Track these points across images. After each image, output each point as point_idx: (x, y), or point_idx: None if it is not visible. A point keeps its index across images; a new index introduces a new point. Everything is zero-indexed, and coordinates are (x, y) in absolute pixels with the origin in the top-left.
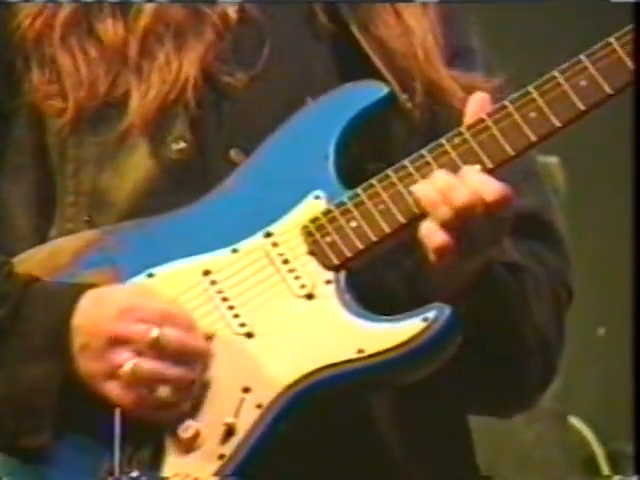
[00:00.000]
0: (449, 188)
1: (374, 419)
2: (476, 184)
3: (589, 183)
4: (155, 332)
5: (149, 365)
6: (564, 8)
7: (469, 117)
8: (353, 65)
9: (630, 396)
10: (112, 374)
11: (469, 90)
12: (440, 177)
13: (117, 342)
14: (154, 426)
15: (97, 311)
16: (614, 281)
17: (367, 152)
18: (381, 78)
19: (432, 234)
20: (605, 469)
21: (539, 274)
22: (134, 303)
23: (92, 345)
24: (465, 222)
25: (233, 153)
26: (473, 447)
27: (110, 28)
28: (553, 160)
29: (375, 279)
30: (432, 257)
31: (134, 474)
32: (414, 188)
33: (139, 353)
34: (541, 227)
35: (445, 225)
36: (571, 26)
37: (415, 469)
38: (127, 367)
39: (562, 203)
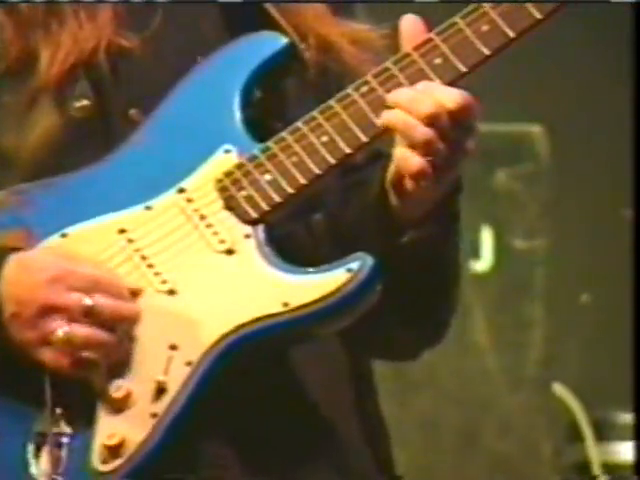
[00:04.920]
0: (412, 101)
1: (293, 364)
2: (438, 94)
3: (573, 151)
4: (88, 301)
5: (82, 331)
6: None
7: (407, 41)
8: (242, 23)
9: (610, 363)
10: (45, 340)
11: (357, 41)
12: (402, 92)
13: (49, 310)
14: (86, 388)
15: (25, 279)
16: (598, 248)
17: (265, 110)
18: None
19: (408, 159)
20: (588, 436)
21: None
22: (64, 270)
23: (23, 314)
24: (440, 135)
25: (132, 112)
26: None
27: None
28: (535, 128)
29: (283, 232)
30: (409, 184)
31: (63, 436)
32: (383, 116)
33: (72, 320)
34: None
35: (419, 147)
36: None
37: (333, 416)
38: (60, 333)
39: (544, 171)
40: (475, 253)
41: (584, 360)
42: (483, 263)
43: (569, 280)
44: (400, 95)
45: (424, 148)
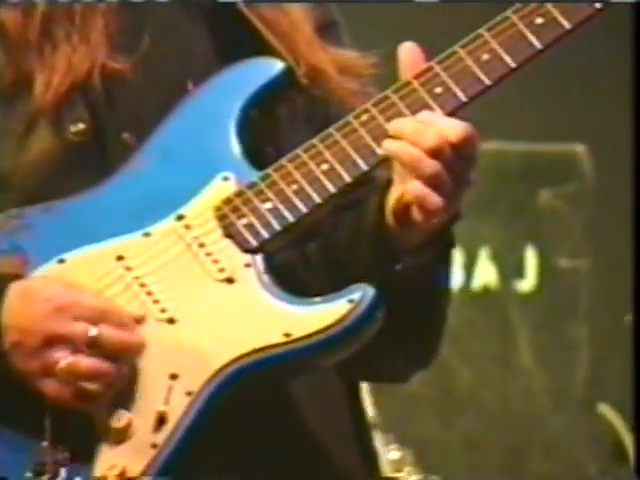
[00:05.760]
0: (415, 133)
1: (289, 392)
2: (440, 125)
3: (617, 170)
4: (94, 331)
5: (86, 362)
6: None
7: (407, 69)
8: (232, 46)
9: None
10: (47, 371)
11: (345, 69)
12: (405, 123)
13: (54, 340)
14: (86, 418)
15: (29, 308)
16: None
17: (257, 134)
18: (269, 56)
19: (427, 197)
20: (632, 456)
21: None
22: (68, 300)
23: (26, 343)
24: (442, 172)
25: (125, 136)
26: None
27: (10, 13)
28: (579, 148)
29: (278, 261)
30: (418, 216)
31: (62, 466)
32: (386, 145)
33: (76, 350)
34: None
35: (426, 180)
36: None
37: (331, 444)
38: (63, 364)
39: (588, 191)
40: (519, 273)
41: (629, 380)
42: (527, 283)
43: (613, 300)
44: (403, 126)
45: (432, 181)
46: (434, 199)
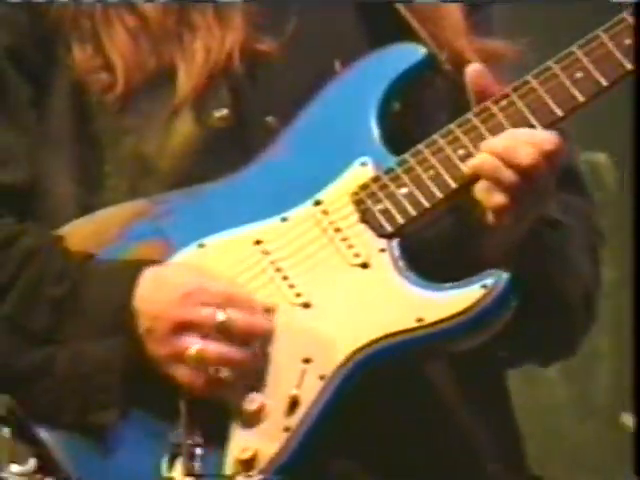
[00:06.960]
0: (511, 150)
1: (430, 381)
2: (535, 139)
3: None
4: (222, 316)
5: (215, 348)
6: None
7: (475, 93)
8: (380, 27)
9: None
10: (178, 357)
11: (491, 58)
12: (498, 142)
13: (183, 327)
14: (219, 402)
15: (159, 295)
16: None
17: (404, 119)
18: (413, 40)
19: (490, 195)
20: None
21: (575, 226)
22: (197, 286)
23: (157, 330)
24: (529, 180)
25: (269, 119)
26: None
27: (150, 3)
28: (601, 157)
29: (416, 244)
30: (490, 217)
31: (197, 447)
32: (473, 162)
33: (205, 336)
34: (567, 174)
35: (507, 186)
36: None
37: (472, 429)
38: (193, 351)
39: (611, 201)
40: None
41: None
42: None
43: (635, 310)
44: (497, 145)
45: (510, 190)
46: (497, 195)
